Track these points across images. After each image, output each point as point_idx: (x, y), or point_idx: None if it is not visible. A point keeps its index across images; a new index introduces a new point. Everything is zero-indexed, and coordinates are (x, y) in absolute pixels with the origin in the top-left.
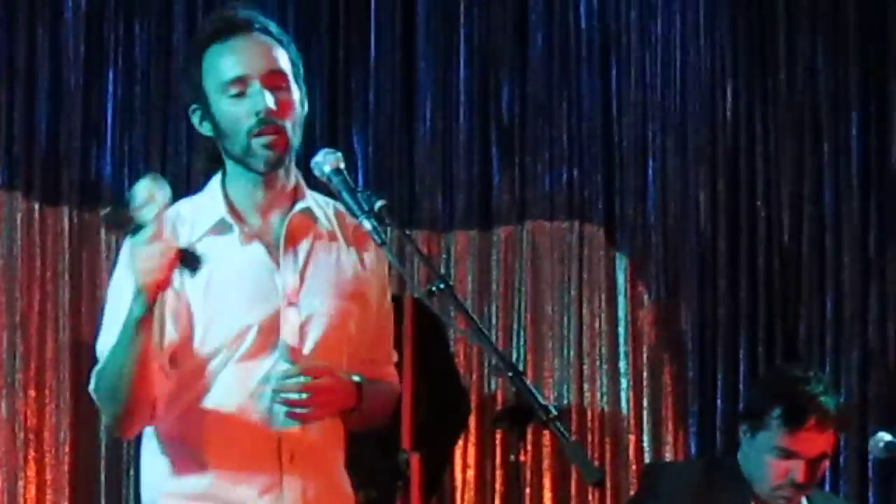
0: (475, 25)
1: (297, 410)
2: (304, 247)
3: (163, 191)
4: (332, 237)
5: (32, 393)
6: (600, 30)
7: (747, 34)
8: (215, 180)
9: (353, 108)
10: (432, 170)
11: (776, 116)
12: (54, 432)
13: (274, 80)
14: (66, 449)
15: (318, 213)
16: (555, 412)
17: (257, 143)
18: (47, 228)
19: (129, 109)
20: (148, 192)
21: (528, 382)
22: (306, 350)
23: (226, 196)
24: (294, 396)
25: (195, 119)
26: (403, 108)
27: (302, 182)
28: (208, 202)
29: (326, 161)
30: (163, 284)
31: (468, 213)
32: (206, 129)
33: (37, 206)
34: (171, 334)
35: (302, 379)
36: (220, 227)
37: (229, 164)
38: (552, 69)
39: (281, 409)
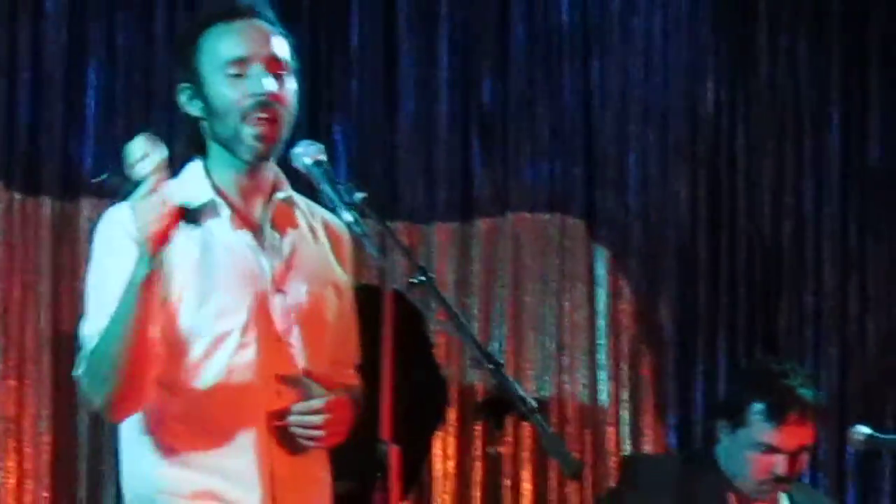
0: (457, 17)
1: (314, 437)
2: (289, 234)
3: (158, 147)
4: (312, 230)
5: (13, 383)
6: (582, 23)
7: (729, 28)
8: (196, 164)
9: (335, 98)
10: (413, 161)
11: (757, 111)
12: (34, 422)
13: (275, 66)
14: (47, 439)
15: (297, 203)
16: (534, 404)
17: (248, 132)
18: (28, 219)
19: (110, 100)
20: (142, 149)
21: (508, 374)
22: (294, 337)
23: (210, 180)
24: (316, 433)
25: (183, 98)
26: (385, 99)
27: (281, 173)
28: (192, 185)
29: (307, 153)
30: (165, 235)
31: (449, 205)
32: (194, 109)
33: (17, 197)
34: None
35: (322, 417)
36: (210, 210)
37: (214, 149)
38: (534, 61)
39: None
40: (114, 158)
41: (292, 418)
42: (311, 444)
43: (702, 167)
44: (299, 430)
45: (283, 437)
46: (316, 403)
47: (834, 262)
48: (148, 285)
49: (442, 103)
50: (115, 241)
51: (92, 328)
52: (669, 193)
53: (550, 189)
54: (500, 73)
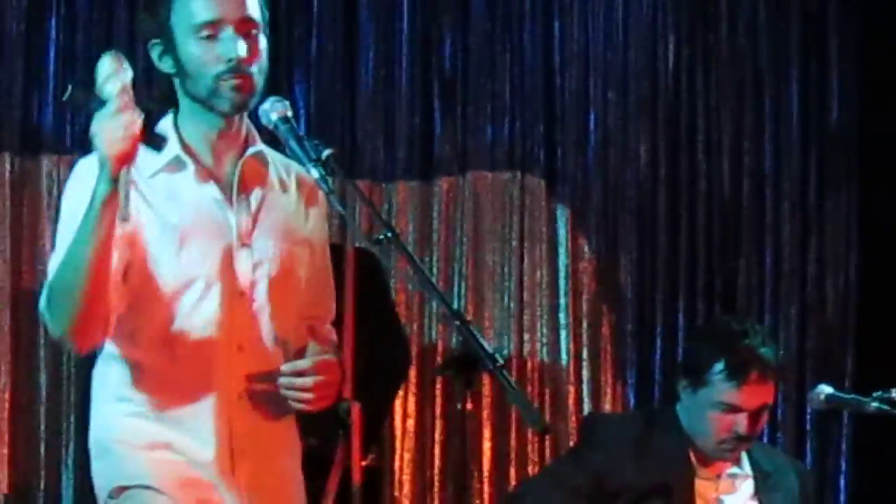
0: None
1: (304, 399)
2: (257, 190)
3: (126, 67)
4: (284, 186)
5: None
6: None
7: None
8: (166, 119)
9: (295, 57)
10: (374, 120)
11: (717, 70)
12: None
13: (246, 26)
14: (6, 396)
15: (270, 159)
16: (501, 361)
17: (225, 85)
18: None
19: (70, 57)
20: (111, 67)
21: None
22: (259, 292)
23: (179, 135)
24: (306, 395)
25: (154, 54)
26: (346, 58)
27: (254, 129)
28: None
29: (274, 109)
30: (128, 156)
31: (410, 164)
32: (165, 66)
33: None
34: (124, 251)
35: (312, 379)
36: (175, 165)
37: (186, 104)
38: (494, 20)
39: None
40: (73, 115)
41: (282, 380)
42: (300, 406)
43: (662, 127)
44: (289, 393)
45: (247, 394)
46: (305, 364)
47: (793, 221)
48: (108, 204)
49: (402, 62)
50: (84, 189)
51: (56, 262)
52: (629, 153)
53: (510, 148)
54: (460, 33)
